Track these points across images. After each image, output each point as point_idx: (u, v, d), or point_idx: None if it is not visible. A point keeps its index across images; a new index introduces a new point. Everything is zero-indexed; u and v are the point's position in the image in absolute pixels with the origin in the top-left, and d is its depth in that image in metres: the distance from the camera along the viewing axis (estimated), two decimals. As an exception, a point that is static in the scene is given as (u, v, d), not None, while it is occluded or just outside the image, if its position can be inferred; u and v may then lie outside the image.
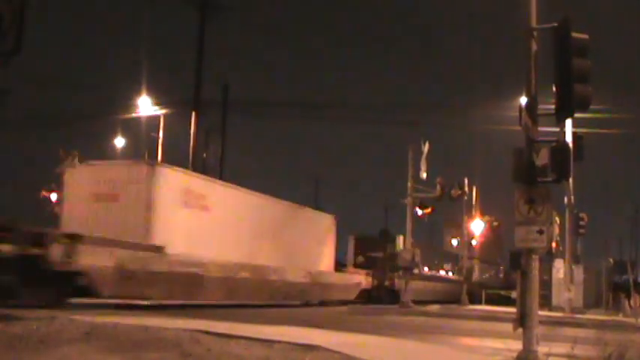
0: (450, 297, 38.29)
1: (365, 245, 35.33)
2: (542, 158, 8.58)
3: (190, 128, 31.26)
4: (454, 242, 46.04)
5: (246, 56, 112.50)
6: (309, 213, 28.34)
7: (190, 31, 32.33)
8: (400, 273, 29.97)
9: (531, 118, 8.63)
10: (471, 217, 37.11)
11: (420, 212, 31.54)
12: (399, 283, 30.98)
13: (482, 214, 40.73)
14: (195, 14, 31.81)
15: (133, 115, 37.51)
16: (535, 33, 9.02)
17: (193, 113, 31.16)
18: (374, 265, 33.14)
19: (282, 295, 23.54)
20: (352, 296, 28.71)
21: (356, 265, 33.71)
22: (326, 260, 27.78)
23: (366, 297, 30.35)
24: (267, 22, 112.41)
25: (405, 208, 30.85)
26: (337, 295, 27.91)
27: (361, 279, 30.35)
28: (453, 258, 45.26)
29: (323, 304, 26.75)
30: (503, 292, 41.79)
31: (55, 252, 14.25)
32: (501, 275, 50.44)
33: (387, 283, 32.28)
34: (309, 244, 26.52)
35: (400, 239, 33.07)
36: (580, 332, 15.75)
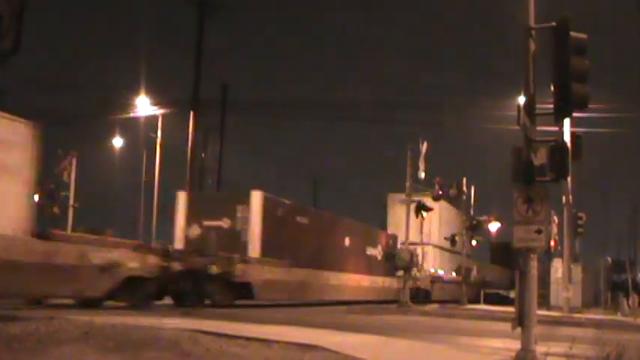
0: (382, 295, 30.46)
1: (204, 209, 22.68)
2: (541, 158, 8.59)
3: (189, 128, 31.29)
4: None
5: (246, 55, 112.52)
6: None
7: (189, 30, 32.35)
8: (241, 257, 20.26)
9: (530, 118, 8.63)
10: (469, 215, 36.98)
11: (425, 215, 31.69)
12: (246, 270, 19.94)
13: (481, 213, 40.67)
14: (194, 13, 31.85)
15: (132, 115, 37.57)
16: (533, 32, 9.03)
17: (192, 113, 31.18)
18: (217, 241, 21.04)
19: None
20: (95, 291, 15.35)
21: (188, 240, 21.91)
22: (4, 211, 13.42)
23: (158, 291, 17.67)
24: (267, 21, 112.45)
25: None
26: (33, 286, 13.97)
27: (123, 257, 16.22)
28: (384, 237, 33.66)
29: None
30: (501, 292, 41.76)
31: None
32: (475, 273, 48.27)
33: (215, 268, 18.92)
34: None
35: (256, 197, 21.83)
36: (578, 332, 15.77)
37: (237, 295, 20.00)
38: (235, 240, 21.32)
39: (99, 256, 15.57)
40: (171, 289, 18.19)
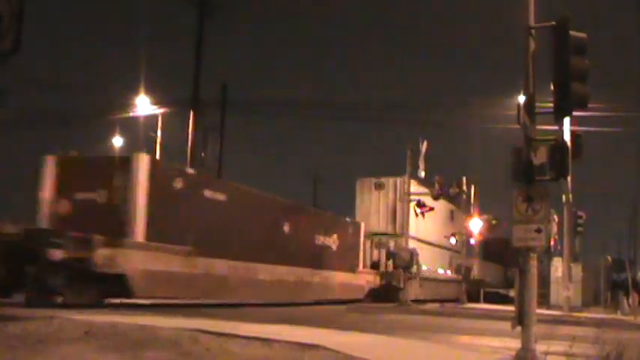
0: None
1: (76, 178, 16.95)
2: (541, 157, 8.59)
3: (189, 127, 31.28)
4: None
5: (246, 55, 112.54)
6: None
7: (190, 30, 32.34)
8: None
9: (529, 117, 8.64)
10: (470, 214, 36.97)
11: (418, 211, 31.61)
12: (115, 257, 14.89)
13: (481, 212, 40.67)
14: (194, 13, 31.83)
15: (132, 114, 37.57)
16: (533, 31, 9.03)
17: (192, 112, 31.17)
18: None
19: None
20: None
21: (55, 219, 16.37)
22: None
23: None
24: (267, 20, 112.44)
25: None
26: None
27: None
28: (342, 225, 28.63)
29: None
30: (501, 291, 41.71)
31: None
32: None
33: (59, 253, 13.74)
34: None
35: (141, 161, 16.49)
36: (578, 331, 15.80)
37: (103, 291, 15.34)
38: (114, 218, 16.18)
39: None
40: None
